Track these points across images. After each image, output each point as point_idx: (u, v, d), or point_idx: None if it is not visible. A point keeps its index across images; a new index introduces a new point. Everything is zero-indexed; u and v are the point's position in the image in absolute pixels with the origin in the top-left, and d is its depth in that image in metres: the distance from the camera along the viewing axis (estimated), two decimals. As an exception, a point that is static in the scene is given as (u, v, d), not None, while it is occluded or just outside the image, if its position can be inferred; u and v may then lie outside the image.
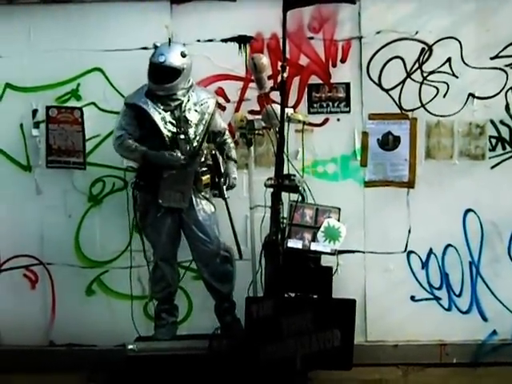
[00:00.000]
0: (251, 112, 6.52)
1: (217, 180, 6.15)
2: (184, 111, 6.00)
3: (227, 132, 6.34)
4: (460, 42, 6.50)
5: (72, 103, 6.63)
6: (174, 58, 5.96)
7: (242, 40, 6.55)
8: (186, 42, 6.31)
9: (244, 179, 6.49)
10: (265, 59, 6.04)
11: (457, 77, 6.55)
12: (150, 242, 6.21)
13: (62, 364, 6.64)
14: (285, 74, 5.73)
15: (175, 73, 5.94)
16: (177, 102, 6.00)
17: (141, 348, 6.08)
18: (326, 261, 5.88)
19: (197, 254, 6.19)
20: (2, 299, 6.81)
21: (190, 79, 6.09)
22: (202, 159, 6.12)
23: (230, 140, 6.33)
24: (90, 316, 6.73)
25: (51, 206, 6.71)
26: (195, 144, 6.02)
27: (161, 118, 5.96)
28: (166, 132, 5.96)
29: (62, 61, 6.57)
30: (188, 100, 6.04)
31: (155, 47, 6.03)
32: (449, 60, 6.52)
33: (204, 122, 6.07)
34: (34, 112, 6.66)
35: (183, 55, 5.99)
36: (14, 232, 6.74)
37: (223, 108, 6.51)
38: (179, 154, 5.93)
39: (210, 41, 6.54)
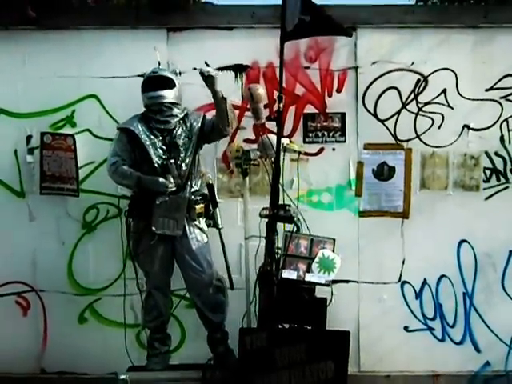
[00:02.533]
0: (246, 141, 6.53)
1: (211, 210, 6.14)
2: (174, 137, 6.00)
3: None
4: (455, 74, 6.54)
5: (67, 130, 6.60)
6: (166, 72, 6.08)
7: (238, 68, 6.57)
8: (183, 70, 6.33)
9: (239, 208, 6.48)
10: (261, 89, 6.05)
11: (452, 108, 6.58)
12: (142, 270, 6.18)
13: (54, 392, 6.61)
14: (281, 105, 5.72)
15: (169, 82, 6.00)
16: (170, 126, 6.00)
17: (133, 378, 6.01)
18: (320, 290, 5.86)
19: (189, 282, 6.16)
20: (-7, 325, 6.77)
21: (185, 108, 6.10)
22: (197, 188, 6.11)
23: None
24: (82, 344, 6.67)
25: (44, 232, 6.67)
26: (184, 168, 5.99)
27: (151, 143, 5.96)
28: (155, 158, 5.95)
29: (58, 87, 6.55)
30: (180, 127, 6.04)
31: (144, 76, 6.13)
32: (444, 91, 6.56)
33: (192, 144, 6.05)
34: (29, 138, 6.63)
35: (175, 73, 6.10)
36: (7, 258, 6.68)
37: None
38: (171, 179, 5.91)
39: (207, 69, 6.55)
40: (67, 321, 6.71)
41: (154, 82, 5.97)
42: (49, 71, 6.56)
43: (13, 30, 6.57)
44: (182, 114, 6.06)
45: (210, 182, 6.19)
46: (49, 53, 6.58)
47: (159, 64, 6.12)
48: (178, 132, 6.03)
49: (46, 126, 6.62)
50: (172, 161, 5.95)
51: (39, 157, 6.61)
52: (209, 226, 6.17)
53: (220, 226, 6.15)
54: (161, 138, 6.00)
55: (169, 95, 5.98)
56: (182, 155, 6.00)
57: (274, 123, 5.87)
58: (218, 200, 6.20)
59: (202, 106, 6.45)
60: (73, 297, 6.72)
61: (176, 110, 6.02)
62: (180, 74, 6.09)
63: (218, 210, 6.18)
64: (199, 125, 6.08)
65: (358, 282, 6.68)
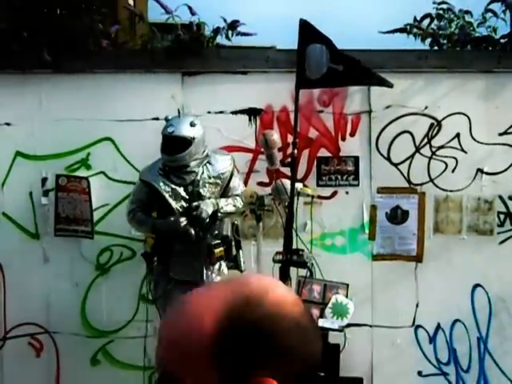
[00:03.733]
0: (260, 184, 6.55)
1: (235, 252, 6.13)
2: (198, 186, 5.96)
3: (242, 195, 6.16)
4: (469, 118, 6.56)
5: (82, 172, 6.65)
6: (183, 128, 5.90)
7: (252, 112, 6.60)
8: (197, 114, 6.34)
9: (252, 251, 6.49)
10: (276, 135, 6.05)
11: (465, 152, 6.59)
12: (159, 316, 6.16)
13: None
14: (295, 151, 5.75)
15: (185, 142, 5.89)
16: (191, 176, 5.96)
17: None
18: (333, 334, 5.85)
19: None
20: (7, 367, 6.75)
21: (205, 150, 6.02)
22: (218, 231, 6.10)
23: (238, 199, 6.11)
24: (94, 386, 6.69)
25: (58, 274, 6.68)
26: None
27: (173, 193, 5.93)
28: (177, 207, 5.93)
29: (73, 130, 6.59)
30: (203, 172, 5.99)
31: (166, 120, 6.03)
32: (458, 135, 6.57)
33: (218, 191, 6.03)
34: (44, 180, 6.67)
35: (192, 125, 5.92)
36: (21, 299, 6.70)
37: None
38: (181, 219, 5.91)
39: (221, 112, 6.58)
40: (80, 363, 6.70)
41: (171, 142, 5.89)
42: (65, 114, 6.60)
43: (29, 74, 6.63)
44: (202, 155, 5.99)
45: (236, 222, 6.20)
46: (65, 96, 6.63)
47: (179, 112, 6.11)
48: (202, 177, 5.98)
49: (61, 169, 6.65)
50: (194, 212, 5.91)
51: (54, 199, 6.64)
52: (230, 268, 6.15)
53: (243, 269, 6.14)
54: (183, 187, 5.97)
55: (184, 157, 5.90)
56: None
57: (288, 168, 5.92)
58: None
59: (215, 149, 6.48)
60: (86, 339, 6.72)
61: (193, 164, 5.94)
62: (194, 125, 5.94)
63: (241, 252, 6.17)
64: (228, 174, 6.05)
65: (371, 326, 6.65)
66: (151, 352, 6.45)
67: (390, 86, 5.91)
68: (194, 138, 5.91)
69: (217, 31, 6.71)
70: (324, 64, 5.57)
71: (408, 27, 6.77)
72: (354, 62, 5.63)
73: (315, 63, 5.60)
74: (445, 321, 6.66)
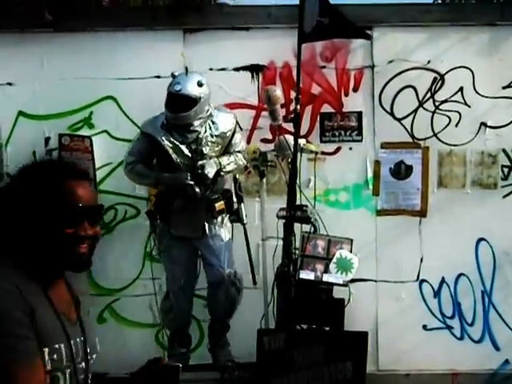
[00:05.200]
0: (263, 140, 6.54)
1: (236, 205, 6.14)
2: (201, 144, 5.95)
3: (243, 151, 6.21)
4: (472, 72, 6.53)
5: (85, 131, 6.63)
6: (190, 87, 5.87)
7: (254, 69, 6.57)
8: (199, 71, 6.27)
9: (256, 208, 6.49)
10: (278, 91, 6.02)
11: (469, 106, 6.57)
12: (165, 271, 6.21)
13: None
14: (298, 107, 5.73)
15: (191, 102, 5.85)
16: (194, 134, 5.94)
17: (152, 378, 6.05)
18: (337, 290, 5.88)
19: (207, 277, 6.16)
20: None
21: (209, 109, 5.99)
22: (218, 185, 6.09)
23: (240, 156, 6.15)
24: (100, 344, 6.65)
25: (62, 233, 6.68)
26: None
27: (176, 150, 5.93)
28: (180, 164, 5.94)
29: (75, 89, 6.56)
30: (205, 131, 5.98)
31: (173, 76, 5.97)
32: (461, 89, 6.55)
33: (220, 149, 6.04)
34: (47, 140, 6.66)
35: (200, 84, 5.89)
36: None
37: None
38: (188, 176, 5.91)
39: (223, 69, 6.56)
40: (86, 321, 6.73)
41: (177, 100, 5.85)
42: (66, 73, 6.57)
43: (30, 33, 6.59)
44: (205, 115, 5.97)
45: (237, 176, 6.20)
46: (66, 55, 6.59)
47: (187, 70, 6.04)
48: (205, 135, 5.97)
49: (64, 128, 6.63)
50: (199, 170, 5.92)
51: (57, 158, 6.62)
52: (233, 221, 6.17)
53: (244, 222, 6.15)
54: (186, 144, 5.96)
55: (189, 116, 5.87)
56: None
57: (291, 123, 5.90)
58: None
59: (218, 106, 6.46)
60: (92, 297, 6.73)
61: (196, 123, 5.92)
62: (202, 85, 5.91)
63: (242, 205, 6.18)
64: (230, 134, 6.06)
65: (375, 281, 6.67)
66: (156, 309, 6.52)
67: (369, 38, 6.01)
68: (200, 98, 5.89)
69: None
70: (315, 17, 5.54)
71: None
72: (337, 15, 5.57)
73: (309, 17, 5.57)
74: (449, 275, 6.68)
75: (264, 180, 6.24)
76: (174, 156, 5.92)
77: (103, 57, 6.59)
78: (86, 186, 2.58)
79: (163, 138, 5.92)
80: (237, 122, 6.12)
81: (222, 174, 6.01)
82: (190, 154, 5.94)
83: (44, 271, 2.52)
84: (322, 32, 5.61)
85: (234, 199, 6.17)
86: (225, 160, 6.01)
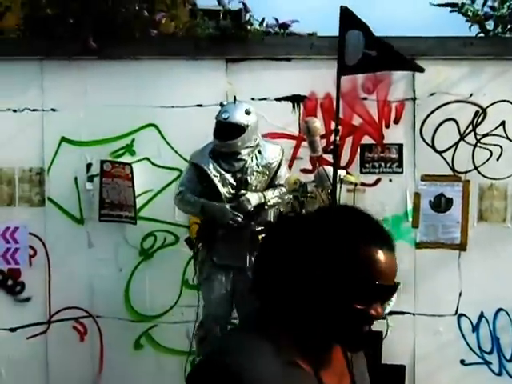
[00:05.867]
0: (303, 171, 6.55)
1: None
2: (246, 173, 5.98)
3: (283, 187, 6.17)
4: (514, 106, 6.50)
5: (126, 158, 6.69)
6: (238, 115, 5.92)
7: (295, 99, 6.60)
8: (240, 100, 6.36)
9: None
10: (318, 123, 6.04)
11: (511, 140, 6.53)
12: (203, 299, 6.20)
13: (109, 418, 6.66)
14: (337, 138, 5.75)
15: (239, 129, 5.90)
16: (241, 163, 5.97)
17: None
18: (376, 322, 5.82)
19: (240, 311, 6.14)
20: (51, 350, 6.83)
21: (257, 138, 6.03)
22: (263, 217, 6.09)
23: (284, 189, 6.11)
24: (137, 370, 6.73)
25: (102, 259, 6.74)
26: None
27: (221, 178, 5.96)
28: (224, 193, 5.96)
29: (118, 116, 6.62)
30: (252, 160, 6.00)
31: (221, 105, 6.04)
32: (503, 123, 6.52)
33: (265, 181, 6.06)
34: (89, 166, 6.72)
35: (247, 112, 5.95)
36: (66, 284, 6.76)
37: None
38: (228, 208, 5.93)
39: (264, 99, 6.59)
40: (123, 347, 6.76)
41: (224, 127, 5.89)
42: (110, 100, 6.64)
43: (74, 60, 6.68)
44: (253, 144, 6.00)
45: (281, 209, 6.21)
46: (110, 82, 6.67)
47: (235, 99, 6.09)
48: (251, 165, 5.99)
49: (105, 154, 6.70)
50: (242, 198, 5.94)
51: (99, 184, 6.69)
52: None
53: None
54: (231, 173, 5.98)
55: (236, 144, 5.92)
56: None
57: (331, 154, 5.91)
58: None
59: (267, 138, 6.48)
60: (129, 323, 6.78)
61: (244, 152, 5.95)
62: (249, 113, 5.94)
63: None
64: (276, 164, 6.07)
65: (413, 314, 6.63)
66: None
67: (422, 70, 5.93)
68: (247, 126, 5.93)
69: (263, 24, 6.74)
70: (360, 50, 5.57)
71: (460, 3, 6.66)
72: (386, 48, 5.61)
73: (352, 49, 5.60)
74: (488, 310, 6.62)
75: (303, 211, 6.23)
76: (219, 186, 5.94)
77: (146, 84, 6.64)
78: (391, 259, 2.13)
79: (210, 167, 5.96)
80: (283, 154, 6.13)
81: (266, 207, 6.02)
82: (234, 183, 5.97)
83: (317, 346, 2.12)
84: (368, 65, 5.63)
85: None
86: (269, 194, 6.04)
